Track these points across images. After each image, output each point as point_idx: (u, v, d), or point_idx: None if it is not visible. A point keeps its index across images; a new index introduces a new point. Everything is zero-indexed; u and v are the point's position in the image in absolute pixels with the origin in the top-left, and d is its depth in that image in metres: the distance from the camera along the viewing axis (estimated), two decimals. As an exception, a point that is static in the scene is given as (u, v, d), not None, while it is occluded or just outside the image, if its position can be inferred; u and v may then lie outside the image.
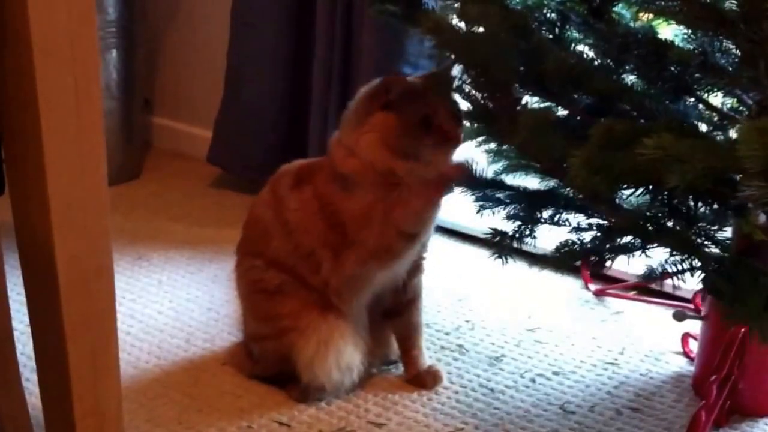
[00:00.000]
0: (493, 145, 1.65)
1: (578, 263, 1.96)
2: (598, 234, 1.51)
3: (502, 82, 1.46)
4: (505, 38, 1.36)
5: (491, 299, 1.99)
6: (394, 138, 1.50)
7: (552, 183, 1.60)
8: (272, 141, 2.36)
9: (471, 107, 1.52)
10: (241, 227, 1.70)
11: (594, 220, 1.54)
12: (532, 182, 1.65)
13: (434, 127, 1.51)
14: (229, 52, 2.38)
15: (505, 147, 1.60)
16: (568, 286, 2.03)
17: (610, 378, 1.74)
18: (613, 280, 2.00)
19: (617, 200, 1.41)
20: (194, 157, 2.55)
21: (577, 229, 1.54)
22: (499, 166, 1.68)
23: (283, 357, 1.61)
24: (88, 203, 1.21)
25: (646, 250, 1.48)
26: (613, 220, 1.42)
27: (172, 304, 1.95)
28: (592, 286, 2.02)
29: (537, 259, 1.60)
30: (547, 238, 1.57)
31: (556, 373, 1.74)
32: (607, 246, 1.52)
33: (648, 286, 1.94)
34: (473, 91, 1.52)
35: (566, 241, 1.52)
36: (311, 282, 1.59)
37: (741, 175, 1.21)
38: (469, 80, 1.51)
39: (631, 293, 1.98)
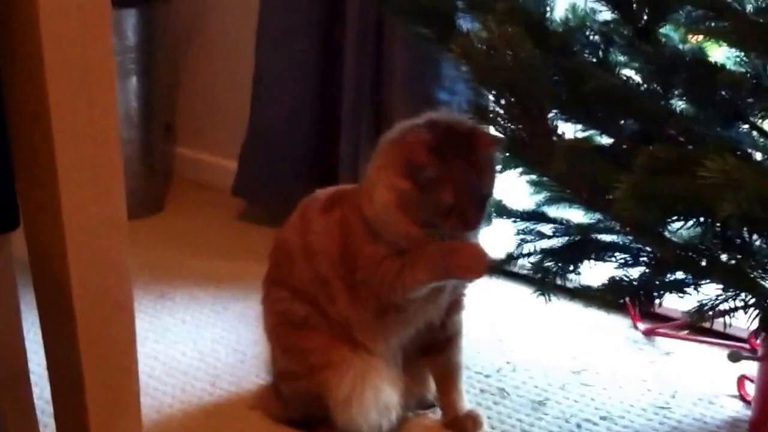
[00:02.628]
0: (533, 176, 1.58)
1: (626, 301, 1.88)
2: (647, 269, 1.42)
3: (536, 109, 1.39)
4: (539, 63, 1.28)
5: (533, 339, 1.89)
6: (411, 207, 1.42)
7: (597, 216, 1.52)
8: (301, 170, 2.29)
9: (506, 138, 1.43)
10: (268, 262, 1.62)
11: (642, 256, 1.46)
12: (575, 215, 1.58)
13: (455, 212, 1.41)
14: (254, 77, 2.32)
15: (545, 178, 1.53)
16: (615, 326, 1.93)
17: (662, 423, 1.64)
18: (663, 319, 1.90)
19: (666, 232, 1.32)
20: (219, 188, 2.47)
21: (624, 264, 1.46)
22: (540, 197, 1.61)
23: (314, 396, 1.53)
24: (105, 236, 1.16)
25: (698, 286, 1.40)
26: (661, 253, 1.33)
27: (196, 345, 1.88)
28: (641, 325, 1.91)
29: (582, 296, 1.51)
30: (593, 274, 1.49)
31: (603, 418, 1.65)
32: (656, 282, 1.43)
33: (700, 325, 1.83)
34: (507, 121, 1.45)
35: (613, 277, 1.44)
36: (330, 314, 1.52)
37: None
38: (503, 109, 1.44)
39: (683, 332, 1.87)
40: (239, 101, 2.39)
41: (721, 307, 1.37)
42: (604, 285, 1.45)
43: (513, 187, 1.61)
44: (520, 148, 1.39)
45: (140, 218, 2.36)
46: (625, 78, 1.38)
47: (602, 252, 1.54)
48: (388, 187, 1.42)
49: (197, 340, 1.89)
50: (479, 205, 1.43)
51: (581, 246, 1.54)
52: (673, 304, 1.56)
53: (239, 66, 2.41)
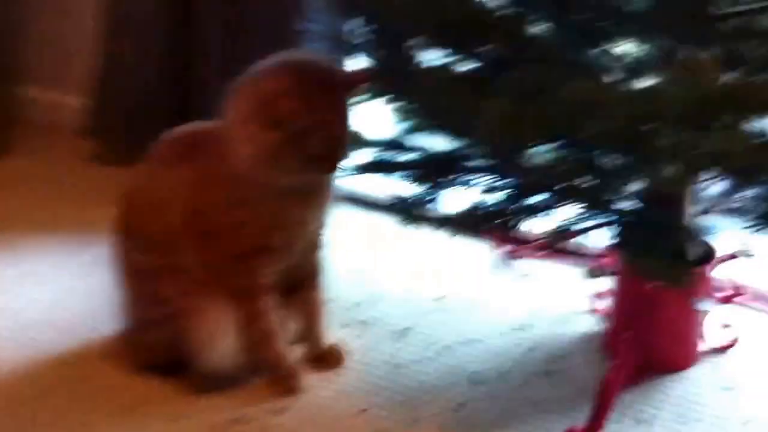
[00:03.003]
0: (398, 104, 1.56)
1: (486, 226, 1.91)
2: (507, 195, 1.44)
3: (398, 36, 1.36)
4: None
5: (394, 269, 1.89)
6: (279, 158, 1.38)
7: (457, 143, 1.52)
8: (152, 106, 2.19)
9: (374, 65, 1.40)
10: None
11: (500, 181, 1.47)
12: (437, 143, 1.57)
13: (320, 158, 1.39)
14: (106, 11, 2.20)
15: (410, 105, 1.50)
16: (476, 250, 1.95)
17: (519, 344, 1.67)
18: (523, 242, 1.93)
19: (527, 158, 1.33)
20: (67, 130, 2.34)
21: (485, 191, 1.46)
22: (405, 125, 1.58)
23: (173, 342, 1.50)
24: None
25: (555, 209, 1.42)
26: (523, 178, 1.34)
27: (44, 296, 1.79)
28: (501, 249, 1.94)
29: (441, 224, 1.51)
30: (453, 201, 1.50)
31: (463, 343, 1.67)
32: (516, 207, 1.44)
33: (557, 246, 1.88)
34: (371, 50, 1.42)
35: (472, 204, 1.44)
36: (183, 264, 1.48)
37: (656, 124, 1.15)
38: (365, 37, 1.40)
39: (541, 253, 1.91)
40: (84, 36, 2.28)
41: (578, 227, 1.42)
42: (462, 212, 1.46)
43: (371, 115, 1.58)
44: (384, 76, 1.36)
45: None
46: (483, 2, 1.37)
47: (462, 178, 1.56)
48: (254, 142, 1.38)
49: (45, 291, 1.80)
50: (344, 146, 1.41)
51: (440, 173, 1.54)
52: (533, 226, 1.57)
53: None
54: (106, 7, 2.19)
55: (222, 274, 1.47)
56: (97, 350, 1.62)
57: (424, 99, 1.28)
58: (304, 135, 1.36)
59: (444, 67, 1.34)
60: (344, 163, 1.45)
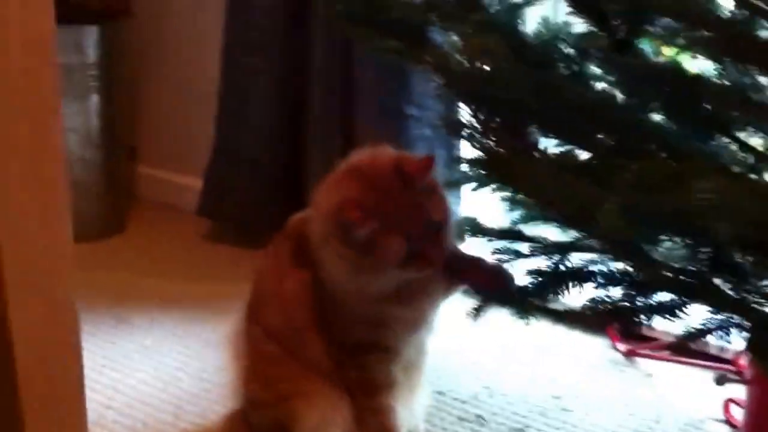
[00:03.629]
0: (508, 193, 1.51)
1: (606, 322, 1.82)
2: (631, 291, 1.36)
3: (515, 123, 1.31)
4: (518, 74, 1.21)
5: (509, 362, 1.82)
6: (360, 272, 1.31)
7: (576, 234, 1.46)
8: (268, 188, 2.22)
9: (482, 154, 1.35)
10: (236, 283, 1.54)
11: (624, 277, 1.39)
12: (552, 233, 1.51)
13: (412, 256, 1.29)
14: (220, 93, 2.25)
15: (521, 195, 1.45)
16: (595, 347, 1.87)
17: (647, 450, 1.57)
18: (643, 339, 1.83)
19: (652, 253, 1.25)
20: (183, 209, 2.40)
21: (607, 283, 1.39)
22: (516, 215, 1.54)
23: (282, 426, 1.45)
24: (48, 263, 1.06)
25: (685, 309, 1.33)
26: (648, 275, 1.26)
27: (158, 373, 1.78)
28: (621, 346, 1.84)
29: (562, 318, 1.44)
30: (573, 294, 1.41)
31: (585, 446, 1.58)
32: (640, 304, 1.36)
33: (684, 346, 1.77)
34: (483, 137, 1.37)
35: (594, 298, 1.37)
36: (303, 357, 1.44)
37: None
38: (479, 124, 1.36)
39: (665, 353, 1.80)
40: (202, 119, 2.33)
41: (710, 328, 1.32)
42: (585, 306, 1.38)
43: (486, 204, 1.54)
44: (498, 164, 1.31)
45: (100, 240, 2.30)
46: (602, 91, 1.32)
47: (583, 273, 1.49)
48: (332, 252, 1.32)
49: (158, 368, 1.80)
50: (435, 238, 1.32)
51: (561, 265, 1.47)
52: (654, 324, 1.49)
53: (201, 83, 2.36)
54: (224, 95, 2.24)
55: (341, 366, 1.43)
56: None
57: (539, 188, 1.22)
58: (381, 240, 1.28)
59: (564, 155, 1.28)
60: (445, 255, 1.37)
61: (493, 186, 1.47)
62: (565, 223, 1.36)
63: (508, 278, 1.44)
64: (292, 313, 1.44)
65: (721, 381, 1.53)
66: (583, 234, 1.34)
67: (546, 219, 1.53)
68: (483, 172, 1.41)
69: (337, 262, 1.33)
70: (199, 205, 2.32)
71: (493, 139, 1.31)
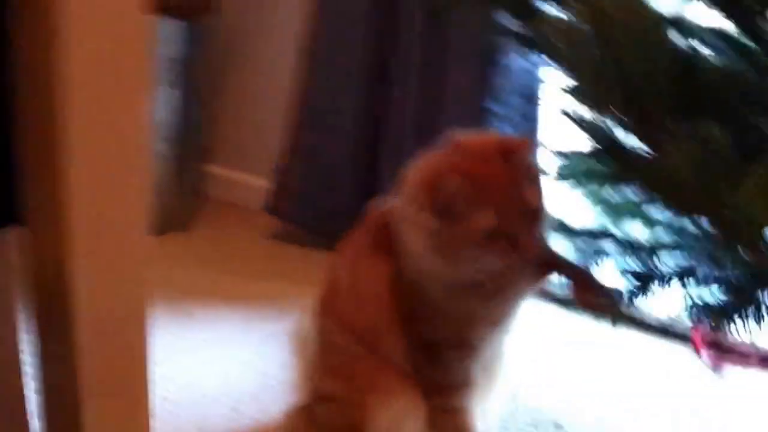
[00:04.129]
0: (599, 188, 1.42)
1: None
2: (733, 290, 1.25)
3: (651, 104, 1.17)
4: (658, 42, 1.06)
5: (587, 375, 1.70)
6: (446, 247, 1.22)
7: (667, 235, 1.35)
8: (339, 189, 2.17)
9: (597, 143, 1.24)
10: (301, 284, 1.51)
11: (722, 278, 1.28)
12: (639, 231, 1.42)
13: (502, 238, 1.21)
14: (299, 92, 2.20)
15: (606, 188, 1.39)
16: (675, 358, 1.74)
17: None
18: (726, 350, 1.71)
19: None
20: (251, 208, 2.37)
21: (705, 283, 1.28)
22: (599, 211, 1.46)
23: (352, 423, 1.36)
24: (121, 248, 0.99)
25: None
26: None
27: (220, 367, 1.72)
28: (710, 356, 1.72)
29: (653, 328, 1.33)
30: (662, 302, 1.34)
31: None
32: (741, 304, 1.24)
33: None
34: (599, 121, 1.25)
35: (693, 298, 1.26)
36: (381, 358, 1.35)
37: None
38: (597, 105, 1.23)
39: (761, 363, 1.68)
40: (274, 119, 2.31)
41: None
42: (679, 313, 1.28)
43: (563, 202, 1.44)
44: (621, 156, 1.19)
45: (169, 235, 2.27)
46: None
47: (678, 274, 1.38)
48: (417, 227, 1.24)
49: (221, 362, 1.73)
50: (529, 225, 1.22)
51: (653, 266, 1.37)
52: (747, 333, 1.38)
53: (275, 84, 2.33)
54: (298, 99, 2.19)
55: (418, 364, 1.34)
56: (269, 430, 1.52)
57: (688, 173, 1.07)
58: (472, 212, 1.20)
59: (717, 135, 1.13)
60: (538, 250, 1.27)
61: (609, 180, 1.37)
62: (684, 209, 1.22)
63: (596, 283, 1.34)
64: (369, 307, 1.35)
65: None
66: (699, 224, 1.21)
67: (635, 215, 1.44)
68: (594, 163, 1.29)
69: (419, 237, 1.24)
70: (267, 203, 2.27)
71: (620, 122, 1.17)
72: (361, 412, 1.35)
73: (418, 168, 1.29)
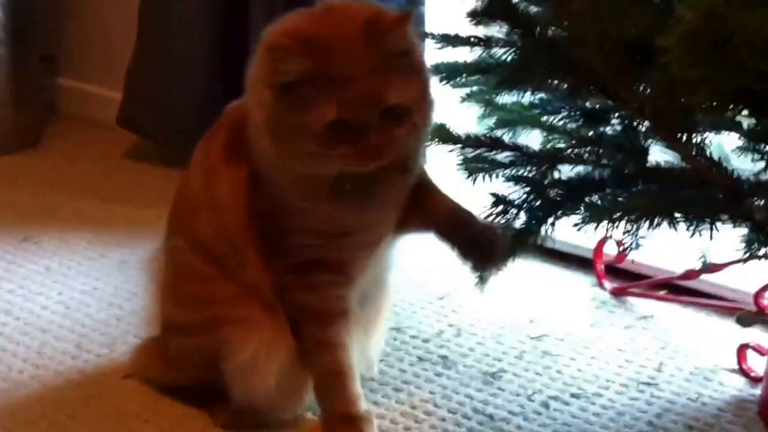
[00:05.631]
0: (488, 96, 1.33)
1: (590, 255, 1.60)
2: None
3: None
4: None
5: (480, 297, 1.55)
6: (280, 130, 1.07)
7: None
8: (197, 97, 1.96)
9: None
10: (159, 205, 1.35)
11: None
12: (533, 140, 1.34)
13: (346, 135, 1.04)
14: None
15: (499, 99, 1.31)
16: (577, 283, 1.62)
17: (649, 403, 1.32)
18: (631, 276, 1.59)
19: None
20: (107, 124, 2.16)
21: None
22: (492, 120, 1.34)
23: (208, 357, 1.21)
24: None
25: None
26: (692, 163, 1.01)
27: (61, 297, 1.57)
28: (608, 284, 1.60)
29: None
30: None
31: (575, 396, 1.34)
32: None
33: (681, 284, 1.54)
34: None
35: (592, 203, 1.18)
36: (239, 277, 1.20)
37: None
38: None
39: (661, 293, 1.56)
40: (131, 26, 2.08)
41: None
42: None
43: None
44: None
45: (11, 153, 2.11)
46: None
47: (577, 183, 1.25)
48: (260, 106, 1.08)
49: (63, 292, 1.59)
50: (385, 124, 1.05)
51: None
52: (642, 258, 1.40)
53: None
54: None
55: (285, 290, 1.18)
56: (116, 368, 1.37)
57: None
58: (313, 96, 1.03)
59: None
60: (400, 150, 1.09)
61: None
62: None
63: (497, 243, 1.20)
64: (226, 221, 1.18)
65: (746, 321, 1.29)
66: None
67: (533, 123, 1.30)
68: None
69: (260, 116, 1.08)
70: (119, 116, 2.08)
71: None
72: (218, 345, 1.20)
73: (275, 28, 1.10)
